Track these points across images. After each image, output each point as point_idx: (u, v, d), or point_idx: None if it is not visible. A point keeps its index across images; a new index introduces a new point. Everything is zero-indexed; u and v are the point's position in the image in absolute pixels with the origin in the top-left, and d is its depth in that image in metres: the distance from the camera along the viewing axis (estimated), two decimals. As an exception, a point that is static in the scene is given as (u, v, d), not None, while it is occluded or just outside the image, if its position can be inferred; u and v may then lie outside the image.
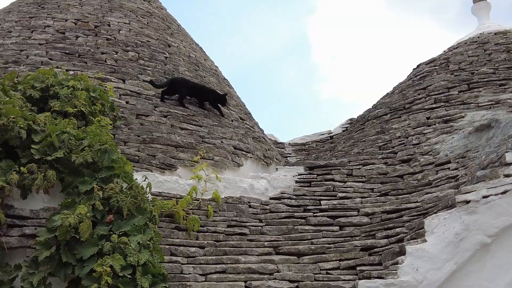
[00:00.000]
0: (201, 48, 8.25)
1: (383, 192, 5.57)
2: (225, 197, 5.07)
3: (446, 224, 3.75)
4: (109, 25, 6.96)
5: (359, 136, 7.52)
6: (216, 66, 8.18)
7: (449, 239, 3.72)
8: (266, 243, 4.73)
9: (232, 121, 6.57)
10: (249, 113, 7.62)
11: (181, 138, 5.49)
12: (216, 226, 4.69)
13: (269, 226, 4.97)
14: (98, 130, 4.38)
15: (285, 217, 5.16)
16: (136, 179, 4.11)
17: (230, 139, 6.03)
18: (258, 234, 4.84)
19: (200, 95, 6.36)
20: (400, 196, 5.38)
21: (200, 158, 5.30)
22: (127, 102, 5.70)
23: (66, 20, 6.84)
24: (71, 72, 5.72)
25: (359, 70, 30.29)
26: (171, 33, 7.62)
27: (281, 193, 5.51)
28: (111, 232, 3.70)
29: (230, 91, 7.58)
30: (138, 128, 5.35)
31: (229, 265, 4.30)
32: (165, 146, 5.26)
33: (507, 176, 3.77)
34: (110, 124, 4.85)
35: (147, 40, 6.92)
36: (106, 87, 5.47)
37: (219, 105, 6.44)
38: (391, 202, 5.29)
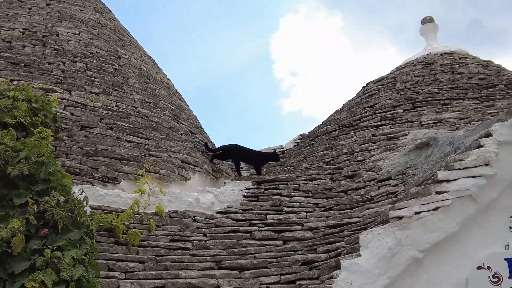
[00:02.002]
0: (154, 60, 8.23)
1: (327, 207, 5.67)
2: (169, 211, 5.04)
3: (380, 239, 3.85)
4: (57, 35, 6.85)
5: (308, 151, 7.64)
6: (169, 79, 8.17)
7: (382, 254, 3.81)
8: (209, 257, 4.72)
9: (181, 134, 6.56)
10: (201, 127, 7.63)
11: (126, 151, 5.43)
12: (158, 241, 4.65)
13: (213, 241, 4.97)
14: (38, 141, 4.28)
15: (230, 232, 5.17)
16: (74, 192, 4.04)
17: (178, 152, 6.01)
18: (201, 248, 4.83)
19: (252, 159, 6.89)
20: (343, 211, 5.49)
21: (145, 171, 5.26)
22: (72, 114, 5.61)
23: (13, 29, 6.69)
24: (16, 82, 5.59)
25: (319, 87, 30.88)
26: (122, 45, 7.57)
27: (228, 208, 5.52)
28: (45, 247, 3.61)
29: (181, 104, 7.58)
30: (81, 140, 5.27)
31: (168, 280, 4.26)
32: (109, 159, 5.20)
33: (438, 193, 3.91)
34: (52, 136, 4.76)
35: (96, 51, 6.85)
36: (49, 98, 5.38)
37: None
38: (334, 217, 5.38)
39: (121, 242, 4.39)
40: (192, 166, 6.04)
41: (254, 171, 7.09)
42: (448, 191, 3.89)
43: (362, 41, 31.67)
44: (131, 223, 4.59)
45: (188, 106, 7.99)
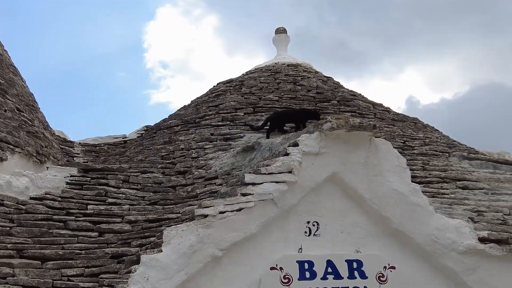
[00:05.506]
0: (-12, 28, 7.51)
1: (152, 201, 5.63)
2: (-29, 193, 4.63)
3: (183, 236, 3.90)
4: None
5: (148, 143, 7.56)
6: (5, 51, 7.51)
7: (183, 250, 3.87)
8: (10, 245, 4.42)
9: (5, 111, 6.06)
10: (33, 105, 7.13)
11: None
12: (-49, 224, 4.24)
13: (20, 228, 4.67)
14: None
15: (41, 219, 4.90)
16: None
17: (-4, 130, 5.54)
18: (4, 235, 4.51)
19: (295, 119, 6.90)
20: (166, 206, 5.49)
21: (-51, 147, 4.76)
22: None
23: None
24: None
25: (188, 82, 30.85)
26: (-49, 5, 6.79)
27: (45, 194, 5.24)
28: None
29: (14, 78, 7.02)
30: None
31: (-46, 267, 3.90)
32: None
33: (243, 195, 4.08)
34: None
35: None
36: None
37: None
38: (156, 212, 5.37)
39: None
40: (11, 147, 5.61)
41: None
42: (253, 194, 4.07)
43: (235, 44, 32.34)
44: None
45: (23, 81, 7.42)
